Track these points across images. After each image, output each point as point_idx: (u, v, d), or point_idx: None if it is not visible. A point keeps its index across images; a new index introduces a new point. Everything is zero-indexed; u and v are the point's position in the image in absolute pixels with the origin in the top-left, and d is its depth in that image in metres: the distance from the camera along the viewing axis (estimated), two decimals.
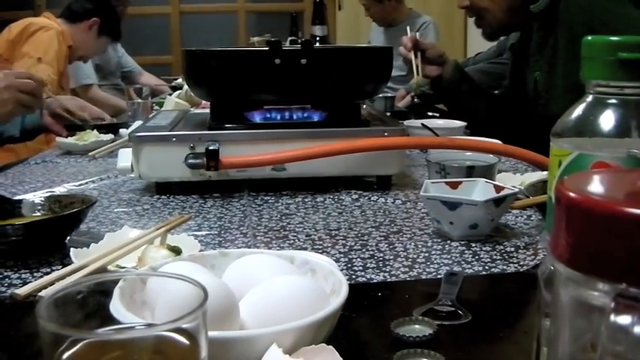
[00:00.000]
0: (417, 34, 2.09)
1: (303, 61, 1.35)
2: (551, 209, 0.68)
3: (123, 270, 0.89)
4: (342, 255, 0.98)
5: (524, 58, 2.04)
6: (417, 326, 0.71)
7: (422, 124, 1.84)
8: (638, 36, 0.61)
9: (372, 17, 3.98)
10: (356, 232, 1.09)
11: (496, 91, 2.30)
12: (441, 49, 2.09)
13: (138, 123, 1.81)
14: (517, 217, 1.16)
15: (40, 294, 0.81)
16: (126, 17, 3.30)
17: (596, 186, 0.42)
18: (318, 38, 2.77)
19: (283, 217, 1.19)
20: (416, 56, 2.00)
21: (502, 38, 3.12)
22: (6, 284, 0.88)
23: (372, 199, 1.30)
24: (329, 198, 1.31)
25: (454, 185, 1.11)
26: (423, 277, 0.90)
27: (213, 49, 1.39)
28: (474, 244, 1.01)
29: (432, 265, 0.93)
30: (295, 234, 1.09)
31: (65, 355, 0.42)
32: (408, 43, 2.01)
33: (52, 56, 2.80)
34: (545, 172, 1.25)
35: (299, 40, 2.43)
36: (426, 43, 2.07)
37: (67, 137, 2.01)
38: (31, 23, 2.88)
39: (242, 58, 1.41)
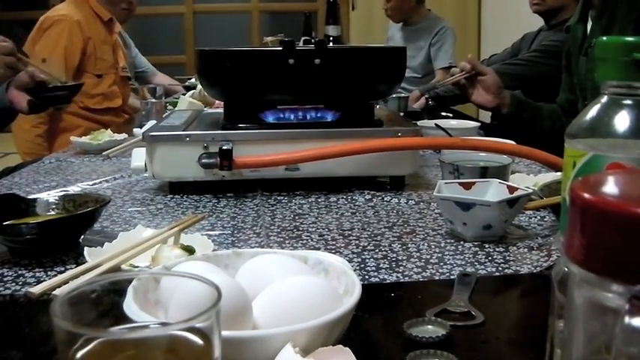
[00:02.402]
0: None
1: (317, 61, 1.35)
2: (566, 210, 0.67)
3: (136, 269, 0.89)
4: (355, 255, 0.98)
5: (576, 42, 2.03)
6: (429, 327, 0.71)
7: (435, 124, 1.83)
8: None
9: (389, 10, 3.91)
10: (369, 233, 1.09)
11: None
12: (497, 78, 2.02)
13: (152, 123, 1.82)
14: (531, 218, 1.15)
15: (54, 293, 0.81)
16: (139, 16, 3.29)
17: (610, 187, 0.42)
18: (331, 38, 2.77)
19: (296, 217, 1.19)
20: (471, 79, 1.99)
21: (517, 40, 3.11)
22: (20, 283, 0.88)
23: (385, 199, 1.30)
24: (342, 198, 1.31)
25: (467, 186, 1.11)
26: (436, 277, 0.89)
27: (227, 49, 1.39)
28: (487, 245, 1.01)
29: (445, 266, 0.93)
30: (308, 234, 1.09)
31: (79, 354, 0.42)
32: (467, 65, 1.98)
33: (59, 54, 2.77)
34: (559, 173, 1.25)
35: (313, 40, 2.43)
36: (484, 69, 2.02)
37: (30, 109, 1.99)
38: (46, 18, 2.83)
39: (256, 58, 1.41)
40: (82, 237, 1.03)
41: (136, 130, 1.99)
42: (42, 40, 2.80)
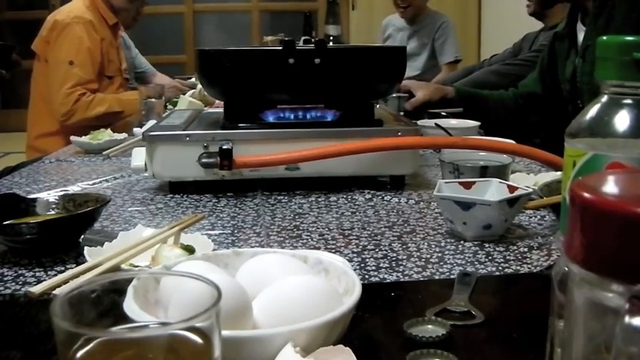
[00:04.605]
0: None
1: (317, 60, 1.35)
2: (566, 210, 0.67)
3: (136, 269, 0.89)
4: (355, 255, 0.98)
5: (564, 46, 2.04)
6: (430, 326, 0.71)
7: (435, 123, 1.83)
8: None
9: (411, 7, 3.84)
10: (369, 232, 1.09)
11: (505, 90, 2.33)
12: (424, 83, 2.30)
13: (152, 122, 1.82)
14: (531, 217, 1.15)
15: (54, 292, 0.81)
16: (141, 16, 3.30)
17: (610, 187, 0.42)
18: (331, 38, 2.77)
19: (296, 217, 1.19)
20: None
21: (517, 40, 3.11)
22: (20, 282, 0.88)
23: (386, 198, 1.30)
24: (342, 198, 1.31)
25: (467, 185, 1.11)
26: (436, 277, 0.89)
27: (227, 48, 1.39)
28: (487, 245, 1.01)
29: (445, 266, 0.93)
30: (308, 233, 1.09)
31: (79, 354, 0.42)
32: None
33: (84, 55, 2.77)
34: (559, 173, 1.25)
35: (313, 40, 2.43)
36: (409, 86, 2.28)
37: None
38: (58, 20, 2.82)
39: (256, 57, 1.41)
40: (82, 237, 1.03)
41: (136, 130, 1.99)
42: (61, 42, 2.79)
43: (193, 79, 3.13)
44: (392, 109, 2.00)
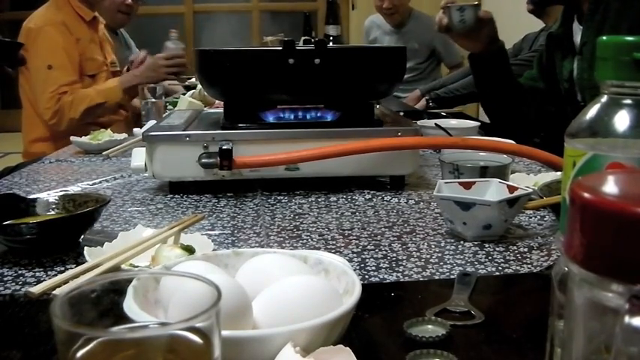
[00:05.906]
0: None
1: (317, 60, 1.35)
2: (566, 210, 0.67)
3: (136, 269, 0.89)
4: (355, 255, 0.98)
5: (561, 48, 2.04)
6: (429, 326, 0.71)
7: (435, 124, 1.83)
8: None
9: (395, 8, 3.76)
10: (369, 232, 1.09)
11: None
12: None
13: (151, 122, 1.82)
14: (531, 217, 1.15)
15: (54, 292, 0.81)
16: (139, 16, 3.29)
17: (610, 187, 0.42)
18: (331, 38, 2.77)
19: (296, 217, 1.19)
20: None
21: (518, 41, 3.11)
22: (20, 282, 0.88)
23: (385, 199, 1.30)
24: (342, 198, 1.31)
25: (467, 185, 1.11)
26: (436, 277, 0.89)
27: (227, 48, 1.39)
28: (487, 245, 1.01)
29: (445, 266, 0.93)
30: (308, 234, 1.09)
31: (79, 354, 0.42)
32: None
33: (61, 57, 2.73)
34: (559, 173, 1.25)
35: (312, 40, 2.43)
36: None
37: None
38: (29, 29, 2.78)
39: (256, 57, 1.41)
40: (82, 237, 1.03)
41: (136, 130, 1.99)
42: (35, 49, 2.74)
43: (193, 79, 3.12)
44: (470, 19, 1.93)
